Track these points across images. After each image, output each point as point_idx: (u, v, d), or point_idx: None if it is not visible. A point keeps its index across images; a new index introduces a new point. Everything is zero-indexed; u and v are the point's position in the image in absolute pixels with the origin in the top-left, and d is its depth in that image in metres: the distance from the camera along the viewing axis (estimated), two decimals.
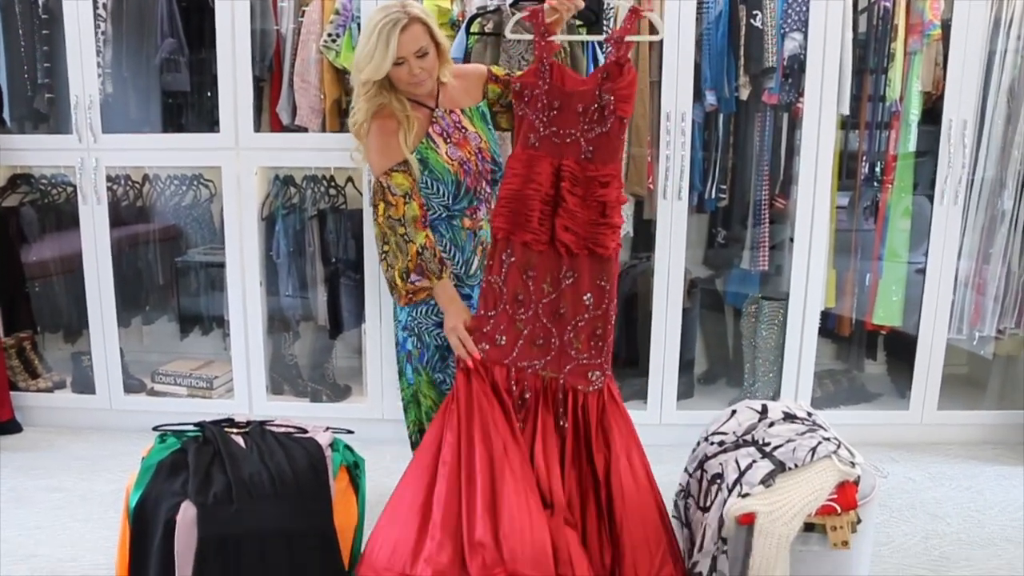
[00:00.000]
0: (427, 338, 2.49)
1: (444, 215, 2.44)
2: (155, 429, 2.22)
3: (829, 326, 3.63)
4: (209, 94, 3.53)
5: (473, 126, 2.46)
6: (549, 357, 2.35)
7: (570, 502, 2.28)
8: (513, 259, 2.33)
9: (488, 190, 2.50)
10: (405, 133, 2.34)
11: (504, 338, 2.35)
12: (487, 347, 2.34)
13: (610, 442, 2.32)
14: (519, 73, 2.50)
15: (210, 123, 3.50)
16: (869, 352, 3.80)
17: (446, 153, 2.39)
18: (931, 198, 3.35)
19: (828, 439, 2.21)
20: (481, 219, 2.49)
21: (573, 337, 2.34)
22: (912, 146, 3.39)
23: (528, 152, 2.33)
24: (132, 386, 3.65)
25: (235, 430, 2.21)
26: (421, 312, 2.46)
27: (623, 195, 2.37)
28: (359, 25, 3.22)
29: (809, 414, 2.42)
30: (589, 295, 2.33)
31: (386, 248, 2.36)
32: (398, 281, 2.36)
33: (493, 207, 2.45)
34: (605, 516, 2.28)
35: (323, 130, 3.41)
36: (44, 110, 3.55)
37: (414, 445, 2.64)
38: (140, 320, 3.94)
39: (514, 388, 2.33)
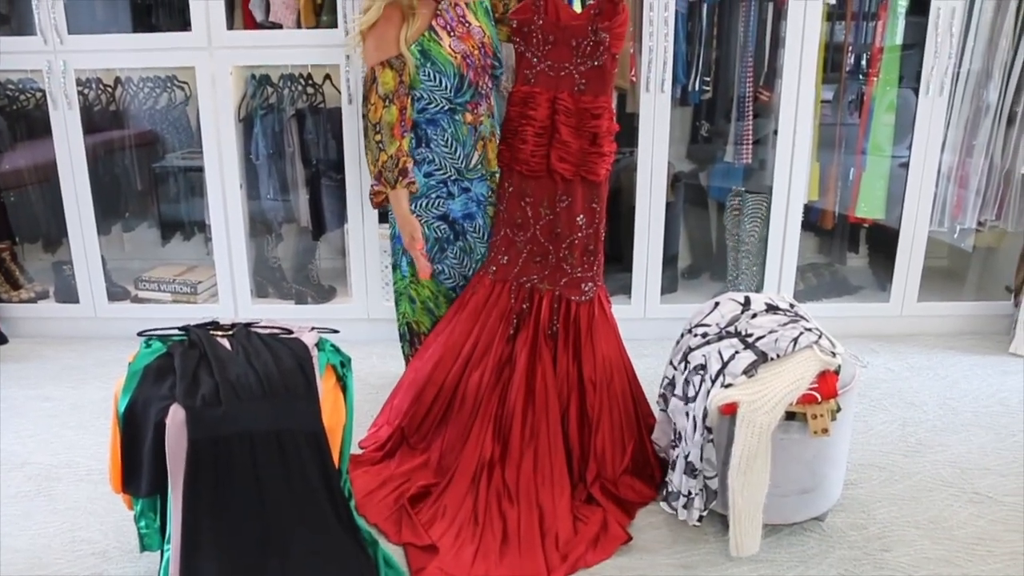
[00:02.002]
0: (426, 229, 2.55)
1: (446, 108, 2.44)
2: (140, 334, 2.19)
3: (812, 220, 3.60)
4: None
5: (476, 20, 2.47)
6: (547, 272, 2.54)
7: (558, 397, 2.46)
8: (511, 188, 2.53)
9: (490, 85, 2.51)
10: (407, 27, 2.33)
11: (507, 257, 2.56)
12: (494, 268, 2.56)
13: (595, 348, 2.49)
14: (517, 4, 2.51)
15: (181, 22, 3.33)
16: (851, 245, 3.81)
17: (449, 46, 2.38)
18: (916, 91, 3.28)
19: (810, 330, 2.22)
20: (482, 114, 2.50)
21: (568, 253, 2.51)
22: (899, 38, 3.31)
23: (524, 89, 2.46)
24: (116, 294, 3.61)
25: (220, 333, 2.18)
26: (421, 205, 2.52)
27: (614, 124, 2.48)
28: None
29: (791, 305, 2.42)
30: (582, 216, 2.48)
31: (367, 145, 2.43)
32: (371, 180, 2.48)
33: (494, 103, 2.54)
34: (585, 413, 2.46)
35: (298, 26, 3.28)
36: (4, 11, 3.39)
37: (402, 337, 2.77)
38: (120, 227, 3.85)
39: (513, 301, 2.52)
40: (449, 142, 2.47)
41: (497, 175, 2.58)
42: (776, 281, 3.42)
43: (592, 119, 2.42)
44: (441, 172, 2.49)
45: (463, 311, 2.55)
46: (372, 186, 2.47)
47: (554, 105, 2.41)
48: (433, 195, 2.51)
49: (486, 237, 2.60)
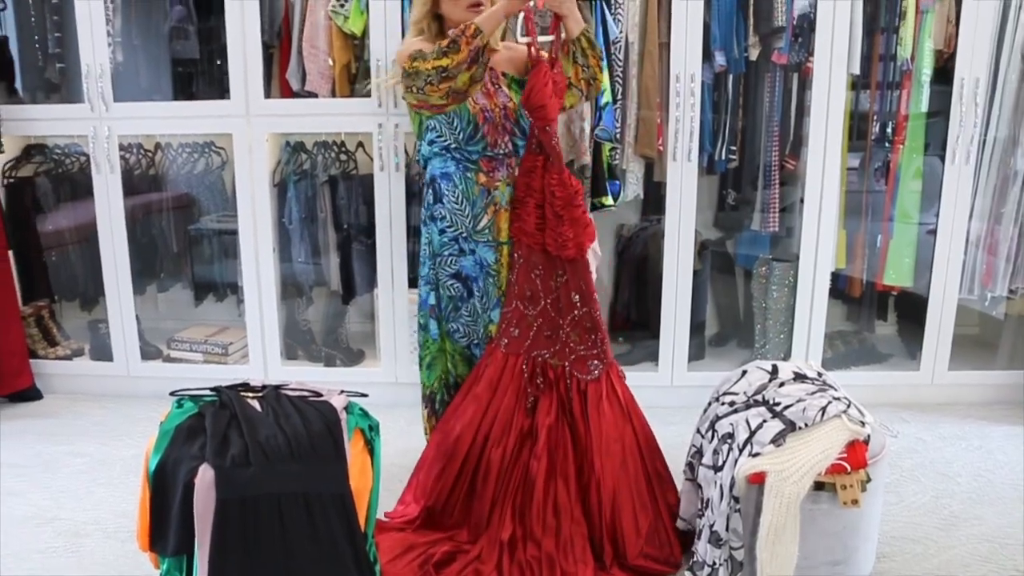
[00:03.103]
0: (443, 289, 2.60)
1: (459, 159, 2.50)
2: (172, 394, 2.22)
3: (840, 287, 3.60)
4: (219, 61, 3.50)
5: (507, 88, 2.52)
6: (557, 347, 2.53)
7: (577, 472, 2.46)
8: (521, 260, 2.53)
9: (509, 148, 2.53)
10: None
11: (517, 330, 2.55)
12: (506, 341, 2.55)
13: (603, 428, 2.46)
14: None
15: (220, 90, 3.47)
16: (880, 313, 3.78)
17: (471, 97, 2.44)
18: (943, 158, 3.30)
19: (838, 398, 2.21)
20: (498, 180, 2.53)
21: (571, 331, 2.50)
22: (924, 106, 3.34)
23: (530, 159, 2.50)
24: (149, 353, 3.67)
25: (251, 394, 2.21)
26: (437, 263, 2.58)
27: (575, 198, 2.46)
28: None
29: (819, 374, 2.41)
30: (575, 294, 2.49)
31: (423, 79, 2.32)
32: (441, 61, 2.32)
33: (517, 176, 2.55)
34: (599, 491, 2.43)
35: (333, 95, 3.38)
36: (56, 80, 3.53)
37: (429, 400, 2.77)
38: (155, 287, 3.95)
39: (527, 375, 2.51)
40: (459, 199, 2.51)
41: (506, 246, 2.56)
42: (804, 349, 3.41)
43: (552, 195, 2.45)
44: (453, 229, 2.54)
45: (478, 384, 2.54)
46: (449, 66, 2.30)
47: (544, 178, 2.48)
48: (446, 253, 2.56)
49: (490, 305, 2.59)
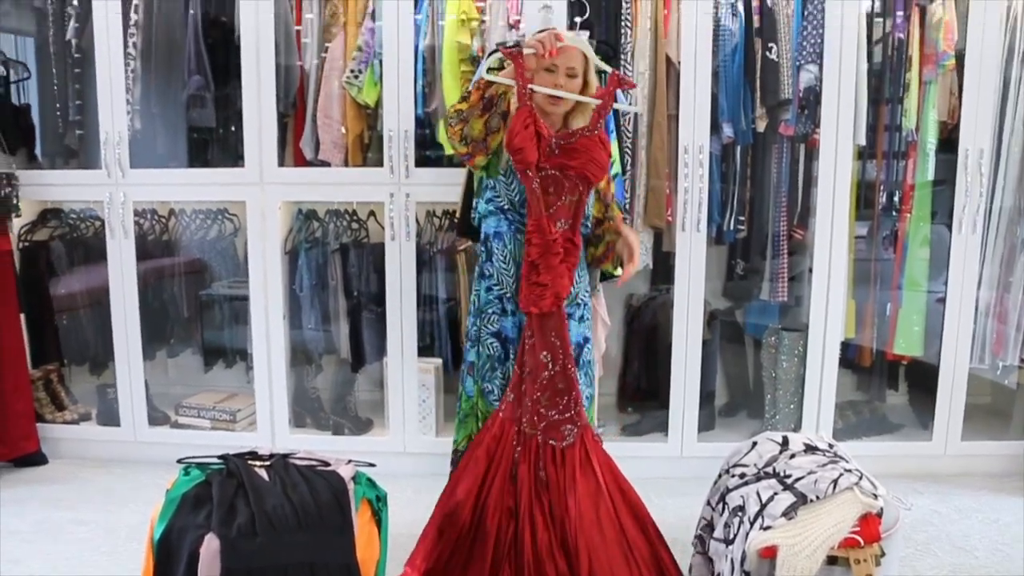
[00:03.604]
0: (483, 347, 2.61)
1: (512, 221, 2.54)
2: (179, 462, 2.23)
3: (849, 356, 3.60)
4: (234, 129, 3.57)
5: None
6: (527, 415, 2.49)
7: (561, 543, 2.42)
8: (529, 331, 2.52)
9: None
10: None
11: (513, 395, 2.54)
12: (504, 407, 2.54)
13: (578, 496, 2.43)
14: None
15: (235, 158, 3.55)
16: (891, 382, 3.77)
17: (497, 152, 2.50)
18: (950, 226, 3.34)
19: (850, 470, 2.19)
20: None
21: (541, 395, 2.47)
22: (930, 175, 3.39)
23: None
24: (156, 418, 3.67)
25: (258, 463, 2.21)
26: (482, 320, 2.60)
27: (553, 247, 2.45)
28: (381, 62, 3.29)
29: (830, 445, 2.40)
30: (545, 352, 2.47)
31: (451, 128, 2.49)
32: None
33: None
34: (587, 567, 2.40)
35: (346, 164, 3.46)
36: (75, 146, 3.62)
37: (454, 458, 2.76)
38: (165, 353, 3.97)
39: (515, 443, 2.49)
40: (507, 259, 2.55)
41: None
42: (814, 419, 3.40)
43: (528, 242, 2.47)
44: (499, 288, 2.57)
45: (479, 448, 2.53)
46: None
47: None
48: (490, 311, 2.58)
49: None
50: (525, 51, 2.40)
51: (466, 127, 2.44)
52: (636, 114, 3.27)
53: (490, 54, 3.12)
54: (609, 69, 2.55)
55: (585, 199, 2.48)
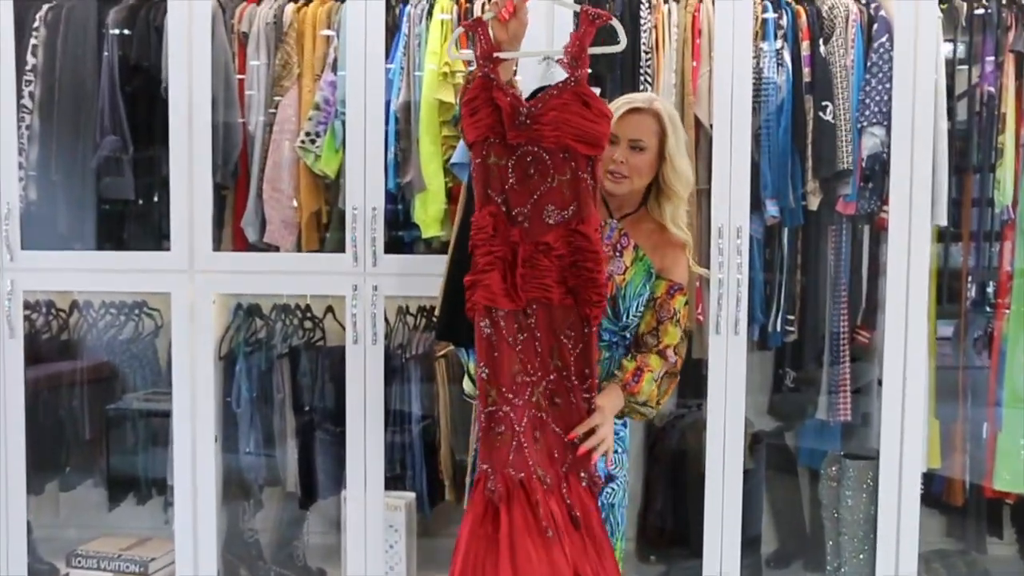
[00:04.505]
0: None
1: None
2: None
3: (935, 492, 3.76)
4: (157, 202, 3.79)
5: (629, 262, 2.74)
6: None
7: None
8: None
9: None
10: None
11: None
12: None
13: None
14: None
15: (158, 239, 3.75)
16: (992, 527, 3.90)
17: None
18: None
19: None
20: None
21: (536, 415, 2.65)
22: None
23: None
24: (40, 572, 3.75)
25: None
26: None
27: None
28: (344, 122, 3.52)
29: None
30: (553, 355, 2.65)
31: None
32: None
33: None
34: None
35: (298, 249, 3.68)
36: None
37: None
38: (56, 485, 4.09)
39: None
40: None
41: None
42: (892, 573, 3.49)
43: None
44: None
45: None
46: None
47: None
48: None
49: None
50: (485, 17, 2.58)
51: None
52: None
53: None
54: (576, 7, 2.72)
55: (584, 175, 2.53)
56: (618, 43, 2.66)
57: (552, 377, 2.58)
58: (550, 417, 2.58)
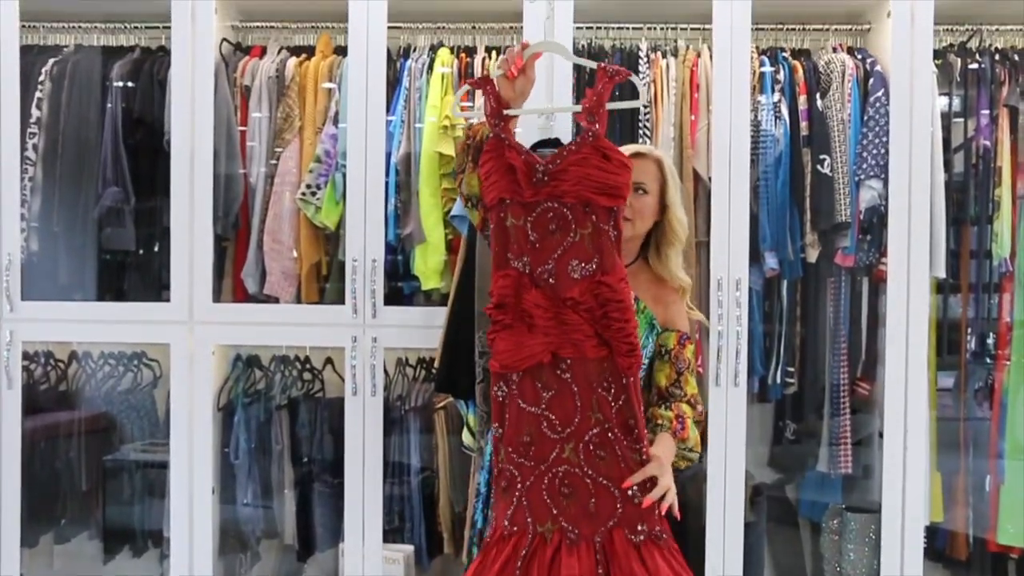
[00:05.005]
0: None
1: None
2: None
3: (938, 546, 3.82)
4: (158, 253, 3.89)
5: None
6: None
7: None
8: None
9: None
10: None
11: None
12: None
13: None
14: None
15: (158, 290, 3.85)
16: None
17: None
18: None
19: None
20: None
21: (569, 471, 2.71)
22: None
23: None
24: None
25: None
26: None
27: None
28: (344, 175, 3.63)
29: None
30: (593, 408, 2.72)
31: None
32: None
33: None
34: None
35: (298, 301, 3.78)
36: None
37: None
38: (51, 537, 4.14)
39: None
40: None
41: None
42: None
43: None
44: None
45: None
46: None
47: None
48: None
49: None
50: (493, 75, 2.68)
51: (463, 186, 2.80)
52: None
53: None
54: (594, 64, 2.75)
55: (607, 228, 2.60)
56: (637, 98, 2.82)
57: (595, 431, 2.62)
58: (593, 470, 2.62)
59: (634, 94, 2.91)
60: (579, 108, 2.65)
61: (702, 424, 2.88)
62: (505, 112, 2.67)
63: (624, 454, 2.60)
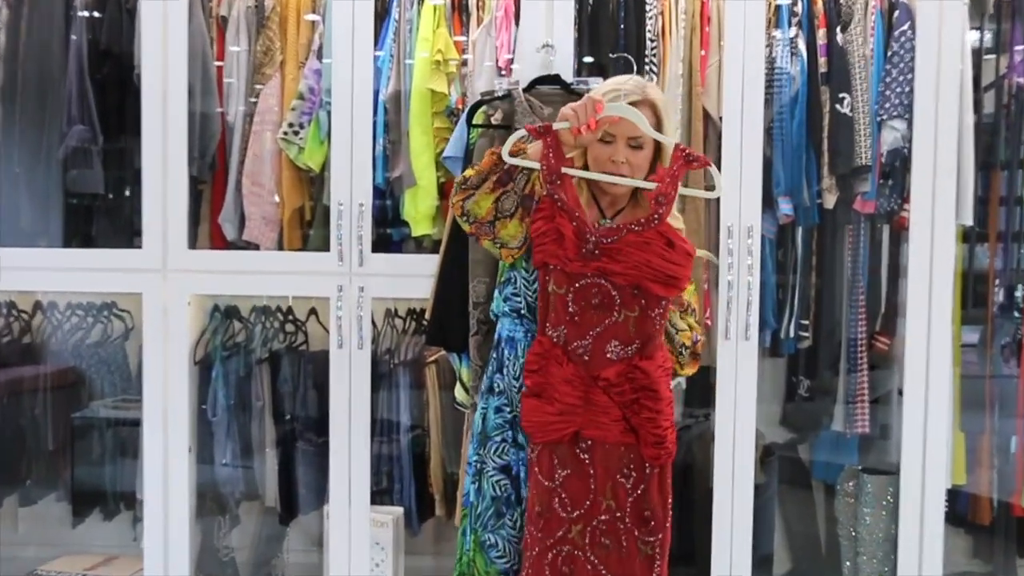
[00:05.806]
0: (486, 484, 2.83)
1: (529, 330, 2.82)
2: None
3: (960, 510, 3.80)
4: (129, 197, 3.85)
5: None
6: None
7: None
8: None
9: None
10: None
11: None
12: None
13: None
14: None
15: (129, 236, 3.81)
16: (1021, 548, 3.92)
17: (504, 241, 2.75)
18: None
19: None
20: None
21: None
22: None
23: None
24: None
25: None
26: (487, 449, 2.83)
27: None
28: (329, 113, 3.57)
29: None
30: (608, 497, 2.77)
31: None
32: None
33: None
34: None
35: (280, 247, 3.75)
36: None
37: None
38: (16, 499, 4.14)
39: None
40: (519, 374, 2.79)
41: None
42: None
43: None
44: (509, 409, 2.83)
45: None
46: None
47: None
48: (498, 437, 2.82)
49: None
50: (556, 126, 2.60)
51: (469, 201, 2.68)
52: None
53: (472, 107, 3.40)
54: (670, 140, 2.69)
55: (653, 315, 2.62)
56: (712, 187, 2.81)
57: (604, 518, 2.65)
58: (596, 558, 2.66)
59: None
60: (652, 186, 2.63)
61: (699, 359, 2.94)
62: (563, 170, 2.63)
63: (630, 546, 2.64)
